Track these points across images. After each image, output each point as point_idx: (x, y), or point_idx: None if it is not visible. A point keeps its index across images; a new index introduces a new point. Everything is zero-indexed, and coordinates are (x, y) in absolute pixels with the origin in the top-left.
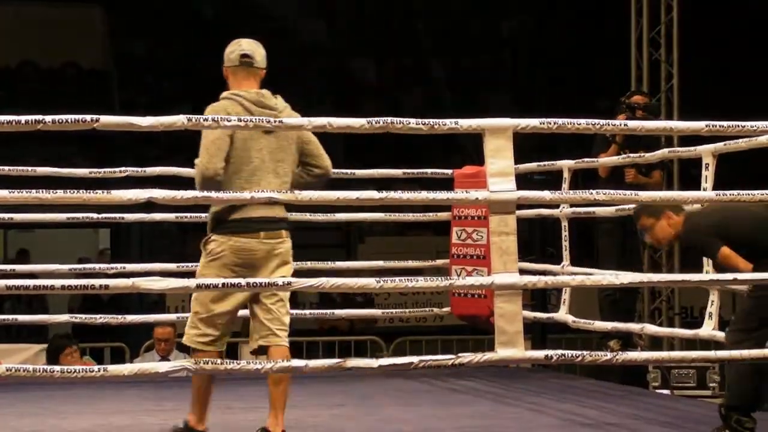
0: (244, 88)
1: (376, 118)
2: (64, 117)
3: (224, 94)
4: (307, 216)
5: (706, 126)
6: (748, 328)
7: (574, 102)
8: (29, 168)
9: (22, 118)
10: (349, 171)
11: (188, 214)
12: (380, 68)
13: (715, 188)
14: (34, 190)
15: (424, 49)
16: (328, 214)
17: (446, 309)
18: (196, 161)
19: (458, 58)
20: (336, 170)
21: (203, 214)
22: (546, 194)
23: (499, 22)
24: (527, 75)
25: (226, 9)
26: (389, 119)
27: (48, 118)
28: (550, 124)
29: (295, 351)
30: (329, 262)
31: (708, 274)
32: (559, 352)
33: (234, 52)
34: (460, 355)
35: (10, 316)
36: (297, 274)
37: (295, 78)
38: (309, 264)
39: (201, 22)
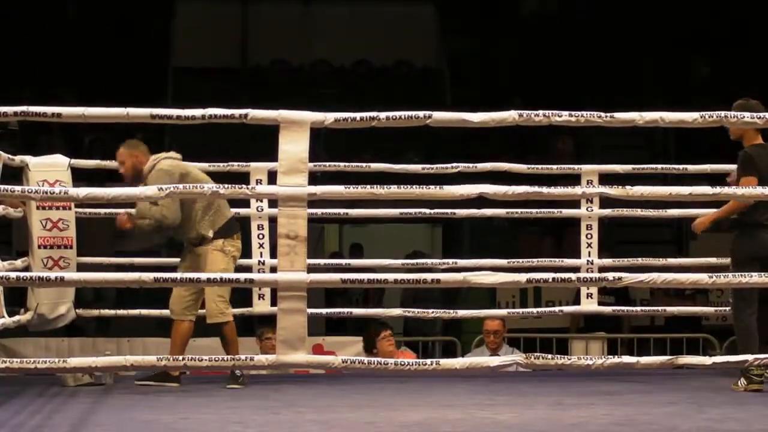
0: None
1: (708, 112)
2: (397, 114)
3: (162, 155)
4: (638, 212)
5: None
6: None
7: None
8: (363, 164)
9: (358, 115)
10: (681, 166)
11: (519, 210)
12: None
13: None
14: (368, 186)
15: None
16: (660, 210)
17: None
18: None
19: None
20: (666, 165)
21: (533, 210)
22: None
23: None
24: None
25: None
26: (722, 113)
27: (382, 115)
28: None
29: (626, 348)
30: (660, 259)
31: None
32: None
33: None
34: None
35: (345, 309)
36: (629, 269)
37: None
38: (640, 260)
39: (523, 17)
